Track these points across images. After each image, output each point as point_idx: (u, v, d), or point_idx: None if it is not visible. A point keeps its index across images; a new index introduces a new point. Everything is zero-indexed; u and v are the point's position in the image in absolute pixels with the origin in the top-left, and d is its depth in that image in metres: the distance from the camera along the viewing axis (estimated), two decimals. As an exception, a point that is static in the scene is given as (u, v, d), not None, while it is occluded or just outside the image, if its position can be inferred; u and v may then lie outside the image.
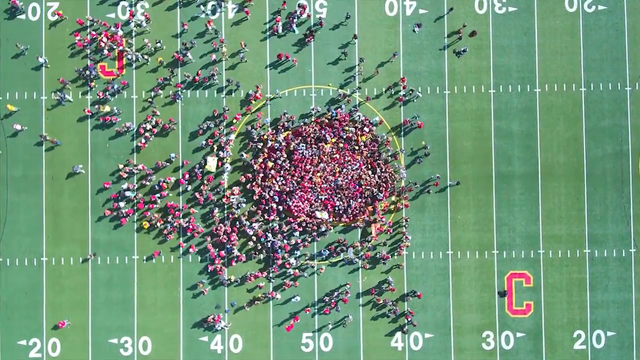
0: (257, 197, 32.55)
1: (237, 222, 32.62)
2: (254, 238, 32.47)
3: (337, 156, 32.55)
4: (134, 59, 32.93)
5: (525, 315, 31.97)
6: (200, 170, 32.78)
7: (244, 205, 32.74)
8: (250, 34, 33.50)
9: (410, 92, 33.26)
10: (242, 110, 33.36)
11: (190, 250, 32.56)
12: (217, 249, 32.57)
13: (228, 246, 32.47)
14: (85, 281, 32.13)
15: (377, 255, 32.78)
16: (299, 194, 32.28)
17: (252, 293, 32.86)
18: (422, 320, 32.59)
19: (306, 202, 32.40)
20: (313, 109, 32.98)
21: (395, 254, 32.85)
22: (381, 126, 33.44)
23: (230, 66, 33.50)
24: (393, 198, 33.11)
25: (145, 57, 32.83)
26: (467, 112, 32.58)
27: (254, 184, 32.63)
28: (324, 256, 32.70)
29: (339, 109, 32.92)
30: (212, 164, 32.51)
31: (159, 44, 32.69)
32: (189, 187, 32.76)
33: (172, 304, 32.23)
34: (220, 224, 32.49)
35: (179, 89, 32.99)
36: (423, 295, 32.49)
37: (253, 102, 33.06)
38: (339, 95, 33.22)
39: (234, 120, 33.14)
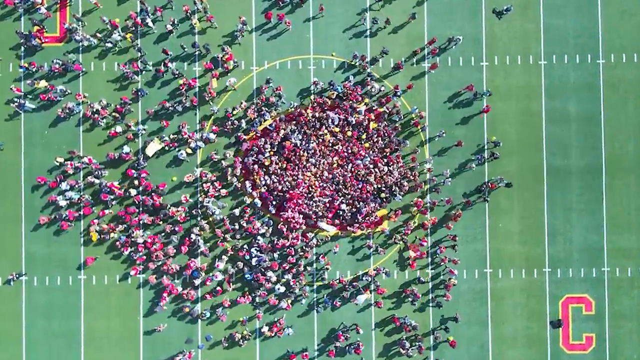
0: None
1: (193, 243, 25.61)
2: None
3: (341, 147, 25.05)
4: (83, 42, 25.85)
5: (584, 351, 26.18)
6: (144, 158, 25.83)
7: (219, 211, 25.19)
8: (231, -12, 26.13)
9: (448, 41, 26.14)
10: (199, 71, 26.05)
11: (132, 272, 25.42)
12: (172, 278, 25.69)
13: (186, 273, 25.40)
14: (18, 307, 25.92)
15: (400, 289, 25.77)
16: (290, 201, 25.03)
17: (234, 327, 25.53)
18: (453, 357, 25.75)
19: (299, 210, 25.12)
20: (315, 83, 25.55)
21: (443, 297, 25.53)
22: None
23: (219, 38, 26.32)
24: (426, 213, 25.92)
25: (99, 36, 25.81)
26: (510, 89, 26.40)
27: (216, 183, 25.37)
28: (327, 305, 25.56)
29: (347, 82, 25.35)
30: (152, 147, 25.41)
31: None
32: (132, 193, 25.42)
33: (130, 337, 25.93)
34: (169, 247, 25.40)
35: (139, 73, 25.96)
36: (454, 325, 25.18)
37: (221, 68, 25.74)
38: (355, 59, 25.81)
39: (186, 83, 25.59)
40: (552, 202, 26.11)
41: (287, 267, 24.97)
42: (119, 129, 25.45)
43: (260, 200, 25.06)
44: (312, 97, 25.84)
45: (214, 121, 25.85)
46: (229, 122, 25.35)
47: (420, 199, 25.61)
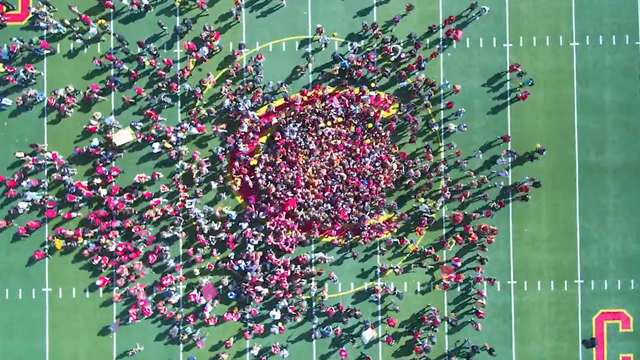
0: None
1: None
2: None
3: (340, 142, 21.99)
4: (50, 30, 22.64)
5: (622, 373, 23.14)
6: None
7: (202, 214, 21.98)
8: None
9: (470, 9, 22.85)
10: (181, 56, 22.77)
11: (98, 282, 22.24)
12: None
13: (158, 290, 22.40)
14: (-25, 325, 22.68)
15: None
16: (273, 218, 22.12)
17: (220, 347, 22.22)
18: (471, 381, 22.34)
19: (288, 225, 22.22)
20: (319, 30, 22.28)
21: (471, 324, 22.48)
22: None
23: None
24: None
25: (68, 22, 22.37)
26: (537, 75, 23.24)
27: (180, 189, 22.23)
28: (327, 335, 22.44)
29: (352, 56, 22.33)
30: (123, 136, 22.14)
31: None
32: (103, 193, 22.22)
33: (101, 358, 22.65)
34: (136, 263, 22.29)
35: (118, 67, 22.43)
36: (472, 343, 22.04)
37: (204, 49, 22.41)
38: (365, 30, 22.76)
39: (154, 66, 22.45)
40: (585, 205, 23.07)
41: (281, 295, 21.95)
42: (93, 122, 22.29)
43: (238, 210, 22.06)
44: (309, 57, 22.47)
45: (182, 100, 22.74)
46: (201, 107, 22.28)
47: (458, 213, 22.45)
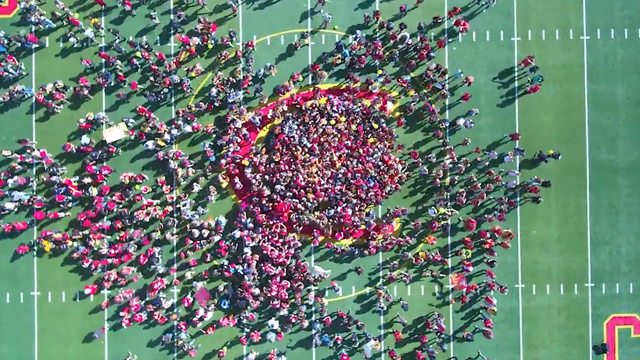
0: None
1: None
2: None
3: (339, 140, 21.11)
4: (40, 26, 21.73)
5: (634, 380, 22.19)
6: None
7: (196, 215, 21.06)
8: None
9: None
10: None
11: (87, 292, 21.13)
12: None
13: (151, 295, 21.41)
14: (-40, 330, 21.70)
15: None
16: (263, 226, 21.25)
17: (213, 356, 21.46)
18: (478, 389, 21.48)
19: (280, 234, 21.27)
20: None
21: (481, 333, 21.39)
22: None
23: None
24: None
25: (59, 14, 21.41)
26: (546, 70, 22.25)
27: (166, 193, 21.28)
28: (327, 344, 21.58)
29: (354, 43, 21.47)
30: (115, 133, 21.09)
31: None
32: (94, 192, 21.17)
33: None
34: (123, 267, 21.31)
35: (112, 63, 21.44)
36: (481, 347, 21.21)
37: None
38: (368, 20, 21.82)
39: (147, 58, 21.44)
40: (596, 204, 22.10)
41: (278, 305, 20.95)
42: (83, 121, 21.29)
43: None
44: (306, 34, 21.58)
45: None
46: (192, 105, 21.27)
47: (473, 219, 21.48)
